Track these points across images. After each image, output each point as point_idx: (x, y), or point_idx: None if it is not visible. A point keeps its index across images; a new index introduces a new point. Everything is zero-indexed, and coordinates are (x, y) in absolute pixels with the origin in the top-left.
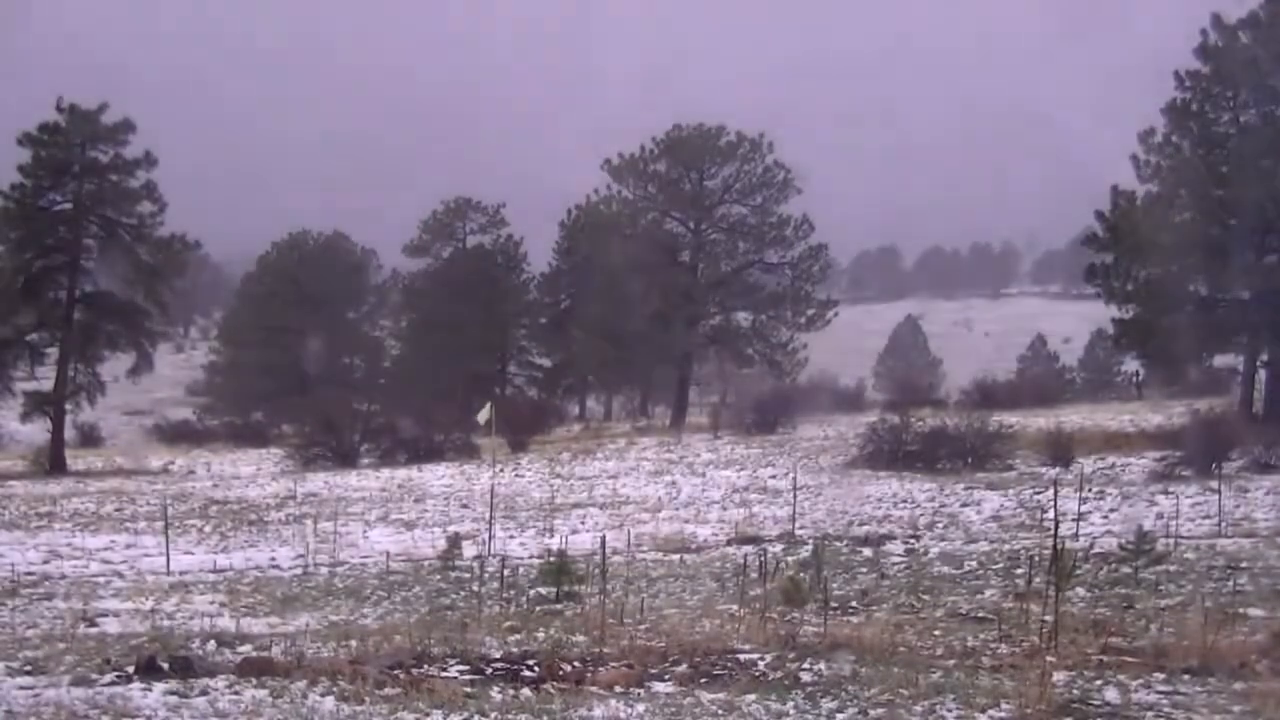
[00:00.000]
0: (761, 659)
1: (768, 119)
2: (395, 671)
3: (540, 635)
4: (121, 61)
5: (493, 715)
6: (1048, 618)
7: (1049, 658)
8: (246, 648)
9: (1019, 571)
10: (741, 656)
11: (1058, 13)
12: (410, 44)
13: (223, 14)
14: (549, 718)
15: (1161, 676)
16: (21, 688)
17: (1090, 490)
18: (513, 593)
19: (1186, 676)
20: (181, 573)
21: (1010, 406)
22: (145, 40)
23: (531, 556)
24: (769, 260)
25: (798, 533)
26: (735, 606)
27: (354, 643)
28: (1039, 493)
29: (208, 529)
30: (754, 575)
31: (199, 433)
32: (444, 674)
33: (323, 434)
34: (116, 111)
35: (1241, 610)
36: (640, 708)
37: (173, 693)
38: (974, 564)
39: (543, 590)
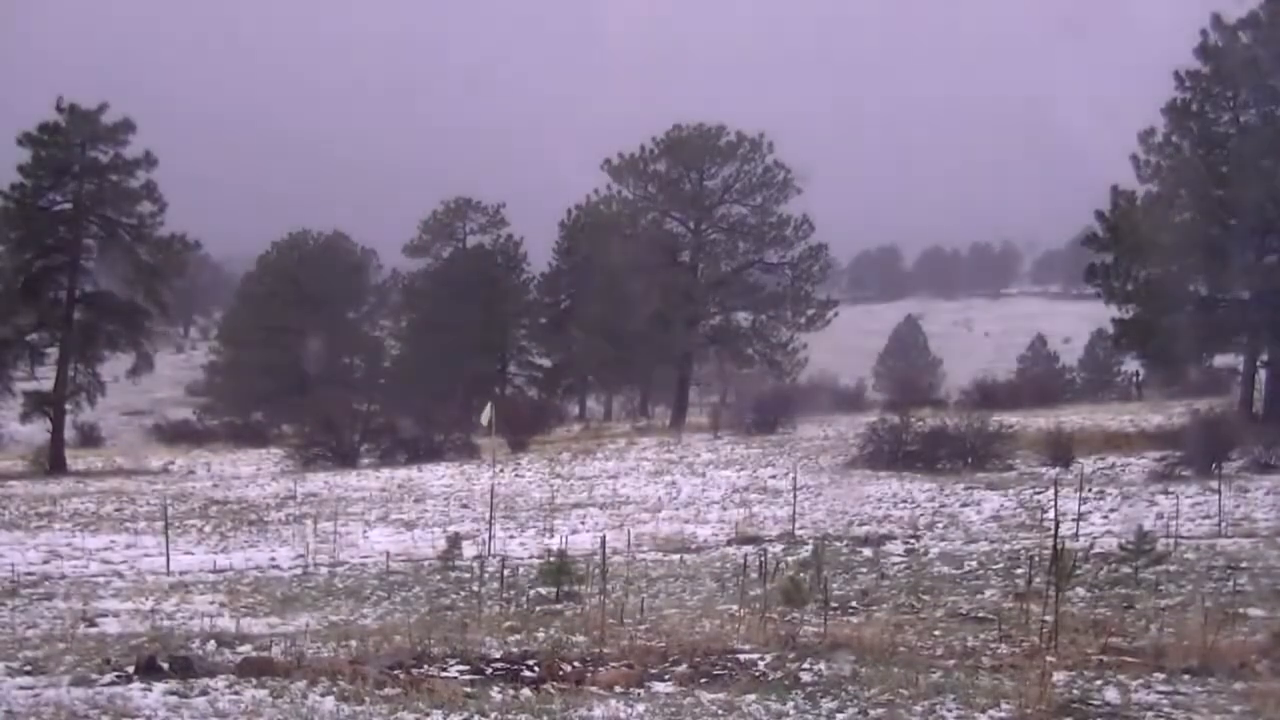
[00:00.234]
0: (761, 659)
1: (768, 119)
2: (395, 671)
3: (540, 635)
4: (122, 61)
5: (493, 715)
6: (1048, 618)
7: (1049, 658)
8: (246, 648)
9: (1019, 571)
10: (741, 656)
11: (1058, 12)
12: (410, 44)
13: (223, 14)
14: (549, 718)
15: (1161, 676)
16: (21, 688)
17: (1090, 490)
18: (513, 593)
19: (1186, 676)
20: (181, 573)
21: (1010, 406)
22: (145, 40)
23: (531, 556)
24: (769, 260)
25: (798, 533)
26: (735, 606)
27: (354, 643)
28: (1039, 493)
29: (208, 529)
30: (754, 575)
31: (199, 433)
32: (444, 674)
33: (323, 434)
34: (116, 111)
35: (1241, 610)
36: (640, 708)
37: (173, 693)
38: (974, 564)
39: (543, 590)
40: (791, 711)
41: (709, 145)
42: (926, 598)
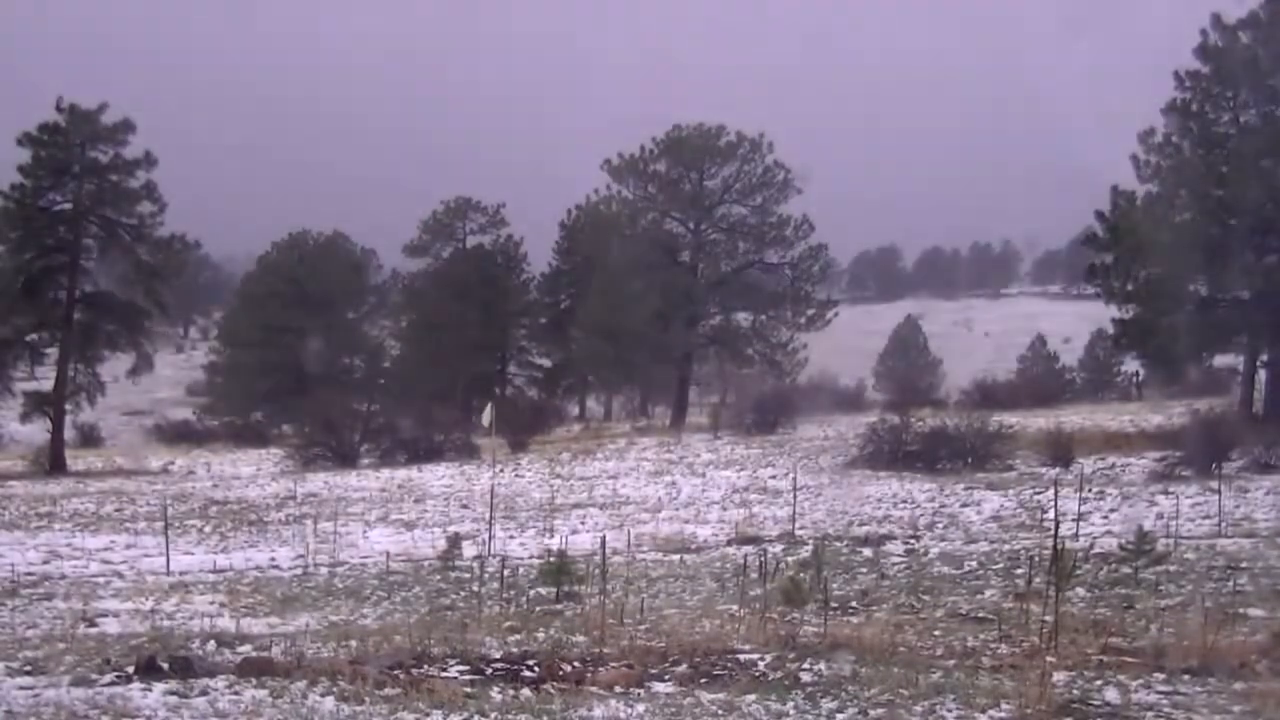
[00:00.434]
0: (761, 659)
1: (768, 119)
2: (395, 671)
3: (540, 635)
4: (122, 61)
5: (493, 715)
6: (1048, 618)
7: (1049, 658)
8: (246, 648)
9: (1019, 572)
10: (741, 657)
11: (1058, 12)
12: (410, 44)
13: (223, 14)
14: (549, 718)
15: (1161, 676)
16: (21, 688)
17: (1090, 490)
18: (513, 593)
19: (1186, 676)
20: (181, 573)
21: (1010, 406)
22: (146, 40)
23: (531, 556)
24: (769, 260)
25: (798, 533)
26: (735, 607)
27: (354, 643)
28: (1039, 493)
29: (208, 529)
30: (754, 575)
31: (199, 433)
32: (444, 674)
33: (323, 434)
34: (116, 111)
35: (1241, 610)
36: (640, 708)
37: (173, 693)
38: (974, 564)
39: (543, 590)
40: (791, 711)
41: (709, 145)
42: (926, 598)
